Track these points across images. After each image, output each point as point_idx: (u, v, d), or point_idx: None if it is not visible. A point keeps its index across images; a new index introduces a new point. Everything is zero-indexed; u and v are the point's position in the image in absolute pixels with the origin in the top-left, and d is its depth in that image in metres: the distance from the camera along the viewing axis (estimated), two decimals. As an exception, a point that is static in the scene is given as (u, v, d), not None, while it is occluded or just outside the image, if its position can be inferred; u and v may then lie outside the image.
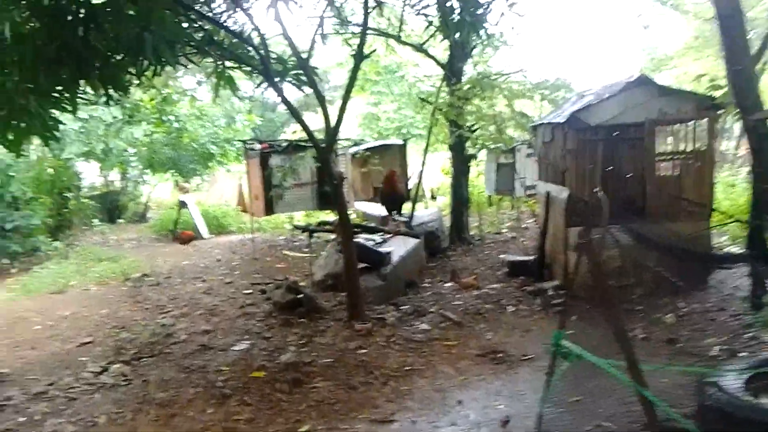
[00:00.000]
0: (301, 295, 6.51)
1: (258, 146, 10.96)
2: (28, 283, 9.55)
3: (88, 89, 4.90)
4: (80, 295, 8.66)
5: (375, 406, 4.42)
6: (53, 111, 4.83)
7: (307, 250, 11.14)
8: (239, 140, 13.31)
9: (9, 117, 4.17)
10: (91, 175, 18.84)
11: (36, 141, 7.09)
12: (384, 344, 5.66)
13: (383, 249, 7.77)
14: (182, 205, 15.70)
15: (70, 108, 4.95)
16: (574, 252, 6.81)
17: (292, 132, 18.15)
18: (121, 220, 17.94)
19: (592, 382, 4.19)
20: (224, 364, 5.10)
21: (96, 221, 15.66)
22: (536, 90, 11.55)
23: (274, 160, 10.82)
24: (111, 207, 18.89)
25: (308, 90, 6.62)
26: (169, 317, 6.52)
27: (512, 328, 5.96)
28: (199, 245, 13.51)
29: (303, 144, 10.42)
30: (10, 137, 4.77)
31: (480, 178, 13.65)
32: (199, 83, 22.55)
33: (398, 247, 8.06)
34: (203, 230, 15.46)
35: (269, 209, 10.99)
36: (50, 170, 13.43)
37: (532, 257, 8.09)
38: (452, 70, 10.19)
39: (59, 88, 4.73)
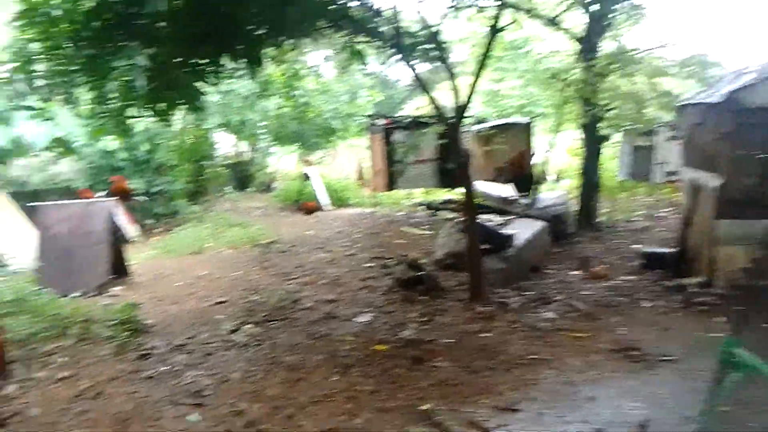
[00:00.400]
0: (423, 273, 6.47)
1: (382, 121, 11.02)
2: (169, 243, 10.39)
3: (229, 63, 5.12)
4: (214, 257, 9.27)
5: (498, 393, 4.28)
6: (198, 83, 5.08)
7: (425, 227, 11.14)
8: (364, 115, 13.47)
9: (160, 88, 4.44)
10: (224, 145, 20.13)
11: (181, 112, 7.60)
12: (507, 330, 5.47)
13: (506, 231, 7.51)
14: (306, 177, 16.30)
15: (213, 81, 5.21)
16: (725, 246, 6.20)
17: (416, 108, 18.12)
18: (249, 189, 18.98)
19: (746, 391, 3.75)
20: (348, 334, 5.20)
21: (228, 189, 16.72)
22: (683, 67, 10.54)
23: (397, 136, 10.85)
24: (240, 176, 20.11)
25: (427, 67, 6.47)
26: (295, 284, 6.81)
27: (649, 324, 5.50)
28: (320, 216, 13.96)
29: (426, 120, 10.32)
30: (161, 107, 5.12)
31: (612, 161, 12.80)
32: (326, 59, 23.19)
33: (522, 230, 7.75)
34: (324, 202, 15.97)
35: (390, 184, 11.06)
36: (191, 140, 14.49)
37: (671, 250, 7.42)
38: (588, 45, 9.54)
39: (204, 61, 4.98)
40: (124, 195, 11.18)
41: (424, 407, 4.02)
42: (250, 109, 13.67)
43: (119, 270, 7.85)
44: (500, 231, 7.39)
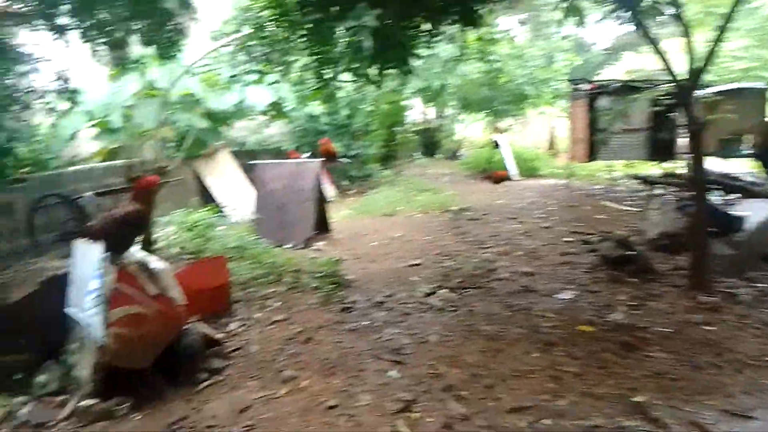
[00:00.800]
0: (633, 252, 5.88)
1: (586, 86, 10.20)
2: (364, 204, 10.88)
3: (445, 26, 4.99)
4: (406, 221, 9.49)
5: (727, 395, 3.71)
6: (416, 46, 5.03)
7: (628, 203, 10.20)
8: (562, 80, 12.60)
9: (383, 51, 4.45)
10: (413, 112, 20.49)
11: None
12: (736, 325, 4.74)
13: (736, 212, 6.49)
14: (495, 145, 15.93)
15: (428, 43, 5.14)
16: None
17: (624, 72, 16.58)
18: (437, 156, 19.16)
19: None
20: (549, 310, 4.92)
21: (416, 155, 17.04)
22: None
23: (603, 102, 9.96)
24: (428, 143, 20.38)
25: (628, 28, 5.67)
26: (490, 253, 6.64)
27: None
28: (509, 186, 13.58)
29: (639, 85, 9.31)
30: (373, 71, 5.18)
31: None
32: (521, 23, 22.24)
33: (756, 212, 6.64)
34: (513, 171, 15.50)
35: (590, 155, 10.26)
36: (385, 106, 14.91)
37: None
38: None
39: (424, 23, 4.90)
40: (331, 156, 11.89)
41: (638, 399, 3.63)
42: (450, 74, 13.54)
43: (322, 226, 8.40)
44: (729, 212, 6.41)
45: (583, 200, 10.51)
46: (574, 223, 8.31)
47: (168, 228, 8.26)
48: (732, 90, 11.46)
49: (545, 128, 20.68)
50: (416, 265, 6.57)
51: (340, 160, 13.16)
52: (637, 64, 18.59)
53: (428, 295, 5.50)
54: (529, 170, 16.17)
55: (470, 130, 22.37)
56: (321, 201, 8.29)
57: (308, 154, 12.90)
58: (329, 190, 12.06)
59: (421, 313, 5.11)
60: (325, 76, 4.85)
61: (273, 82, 9.73)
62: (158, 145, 7.38)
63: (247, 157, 12.45)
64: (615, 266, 5.84)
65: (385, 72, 5.36)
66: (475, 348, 4.37)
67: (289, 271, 6.12)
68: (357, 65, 4.01)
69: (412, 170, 16.55)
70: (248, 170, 10.48)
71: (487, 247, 6.99)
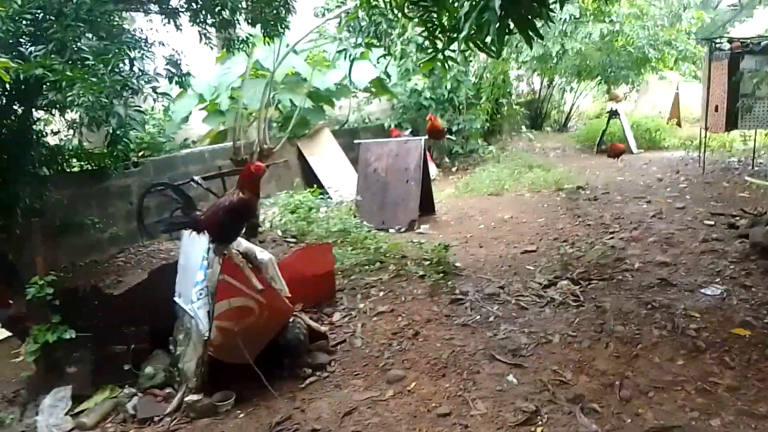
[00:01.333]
0: (793, 239, 4.99)
1: (727, 46, 8.91)
2: (469, 182, 10.35)
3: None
4: (515, 200, 8.88)
5: None
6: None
7: (776, 178, 8.92)
8: (703, 38, 11.06)
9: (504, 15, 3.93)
10: (519, 82, 19.36)
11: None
12: None
13: None
14: (612, 114, 14.68)
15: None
16: None
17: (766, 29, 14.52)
18: (546, 129, 18.09)
19: None
20: (693, 309, 4.23)
21: (523, 128, 16.08)
22: None
23: (748, 63, 8.65)
24: (535, 114, 19.22)
25: None
26: (617, 239, 5.90)
27: None
28: (628, 160, 12.44)
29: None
30: (491, 39, 4.64)
31: None
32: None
33: None
34: (632, 144, 14.23)
35: (730, 124, 9.01)
36: (488, 75, 14.06)
37: None
38: None
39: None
40: (438, 133, 11.45)
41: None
42: (569, 38, 12.31)
43: (427, 207, 8.04)
44: None
45: (720, 176, 9.30)
46: (712, 202, 7.31)
47: (272, 209, 8.29)
48: None
49: (667, 95, 18.79)
50: (531, 251, 6.03)
51: (449, 137, 12.66)
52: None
53: (547, 286, 4.98)
54: (650, 142, 14.79)
55: (581, 100, 20.85)
56: (426, 181, 7.90)
57: (409, 131, 12.55)
58: (432, 169, 11.65)
59: (540, 308, 4.61)
60: (439, 47, 4.41)
61: (380, 57, 9.39)
62: (263, 126, 7.30)
63: (348, 135, 12.33)
64: (770, 256, 4.99)
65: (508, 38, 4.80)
66: (607, 352, 3.84)
67: (393, 258, 5.83)
68: (476, 32, 3.53)
69: (518, 144, 15.69)
70: (350, 149, 10.31)
71: (613, 232, 6.24)
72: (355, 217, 7.37)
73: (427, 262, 5.63)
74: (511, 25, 3.53)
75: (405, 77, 12.79)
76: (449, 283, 5.13)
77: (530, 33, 3.74)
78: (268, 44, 6.67)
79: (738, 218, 6.34)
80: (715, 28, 22.56)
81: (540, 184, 9.67)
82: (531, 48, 4.96)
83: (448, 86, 12.75)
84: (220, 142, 10.16)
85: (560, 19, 11.69)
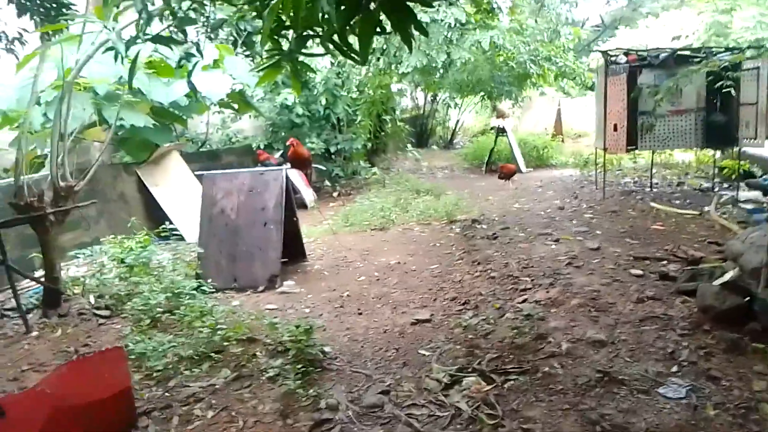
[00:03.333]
0: (749, 299, 3.91)
1: (623, 58, 8.14)
2: (349, 213, 8.83)
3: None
4: (403, 237, 7.48)
5: None
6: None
7: (679, 202, 8.27)
8: (600, 51, 10.34)
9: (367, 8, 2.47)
10: (402, 97, 18.30)
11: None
12: None
13: None
14: (499, 132, 13.94)
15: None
16: None
17: (672, 38, 14.32)
18: (433, 147, 17.18)
19: None
20: (656, 425, 2.90)
21: (408, 147, 14.93)
22: None
23: (646, 77, 7.93)
24: (420, 131, 18.23)
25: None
26: (532, 302, 4.58)
27: None
28: (519, 181, 11.60)
29: (692, 54, 7.31)
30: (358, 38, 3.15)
31: None
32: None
33: None
34: (521, 162, 13.55)
35: (631, 143, 8.25)
36: (374, 89, 12.66)
37: None
38: None
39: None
40: (302, 162, 9.88)
41: None
42: (459, 45, 11.04)
43: (295, 252, 6.39)
44: None
45: (622, 201, 8.50)
46: (628, 239, 6.29)
47: (90, 264, 6.27)
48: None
49: (549, 111, 18.68)
50: (424, 321, 4.54)
51: (316, 166, 11.08)
52: (634, 40, 16.79)
53: (449, 386, 3.50)
54: (538, 160, 14.25)
55: (465, 116, 20.24)
56: (291, 219, 6.23)
57: (280, 153, 10.87)
58: (307, 195, 10.02)
59: (441, 430, 3.11)
60: (278, 50, 2.86)
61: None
62: (59, 156, 5.27)
63: (207, 159, 10.43)
64: (725, 323, 3.88)
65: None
66: None
67: (236, 345, 4.12)
68: (331, 29, 2.09)
69: (403, 164, 14.53)
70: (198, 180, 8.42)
71: (524, 289, 4.89)
72: (197, 275, 5.54)
73: (284, 349, 3.99)
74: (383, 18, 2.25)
75: (274, 91, 11.11)
76: (311, 390, 3.50)
77: (408, 30, 2.30)
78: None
79: (666, 262, 5.31)
80: (581, 47, 23.16)
81: (430, 215, 8.38)
82: (410, 50, 3.51)
83: (323, 101, 11.24)
84: (36, 171, 7.86)
85: (445, 23, 10.57)
